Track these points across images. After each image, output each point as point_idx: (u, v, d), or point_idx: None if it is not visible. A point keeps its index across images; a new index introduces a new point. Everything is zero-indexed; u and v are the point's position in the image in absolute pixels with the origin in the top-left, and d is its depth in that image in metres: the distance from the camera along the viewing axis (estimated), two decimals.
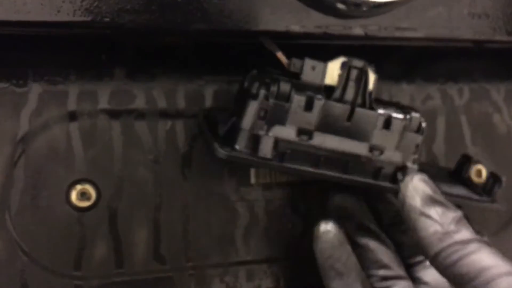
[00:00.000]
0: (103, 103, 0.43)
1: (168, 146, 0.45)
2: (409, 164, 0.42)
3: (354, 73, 0.40)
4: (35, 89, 0.42)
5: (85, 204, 0.43)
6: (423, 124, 0.42)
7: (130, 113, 0.44)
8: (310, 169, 0.40)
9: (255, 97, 0.38)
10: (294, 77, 0.39)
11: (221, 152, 0.38)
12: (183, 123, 0.45)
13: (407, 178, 0.38)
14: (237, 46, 0.45)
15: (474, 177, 0.49)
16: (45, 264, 0.42)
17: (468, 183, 0.48)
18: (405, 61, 0.51)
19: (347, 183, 0.41)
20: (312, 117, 0.39)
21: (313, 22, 0.40)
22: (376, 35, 0.42)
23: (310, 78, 0.39)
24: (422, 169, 0.43)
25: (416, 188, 0.37)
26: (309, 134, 0.39)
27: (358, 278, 0.40)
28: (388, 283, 0.41)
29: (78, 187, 0.43)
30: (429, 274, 0.42)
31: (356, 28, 0.41)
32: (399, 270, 0.41)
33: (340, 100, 0.40)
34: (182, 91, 0.45)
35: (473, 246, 0.34)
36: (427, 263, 0.42)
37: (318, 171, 0.40)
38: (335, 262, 0.39)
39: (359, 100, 0.40)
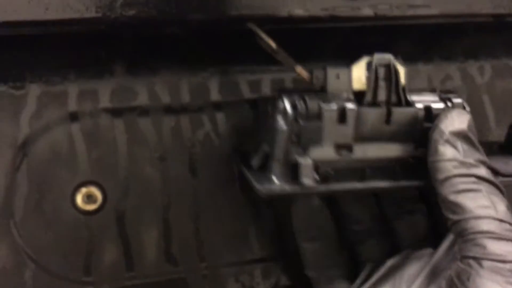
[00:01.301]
0: (105, 102, 0.42)
1: (175, 142, 0.43)
2: None
3: (382, 71, 0.37)
4: (34, 91, 0.41)
5: (91, 207, 0.42)
6: (467, 108, 0.39)
7: (133, 110, 0.42)
8: (358, 186, 0.37)
9: (283, 122, 0.35)
10: (320, 90, 0.36)
11: (262, 192, 0.35)
12: (189, 118, 0.44)
13: (451, 108, 0.36)
14: (240, 34, 0.42)
15: None
16: (54, 270, 0.41)
17: None
18: (421, 40, 0.49)
19: (401, 190, 0.39)
20: (348, 129, 0.36)
21: (318, 4, 0.38)
22: (387, 14, 0.40)
23: (336, 87, 0.36)
24: None
25: (453, 118, 0.35)
26: (348, 148, 0.36)
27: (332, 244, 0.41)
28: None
29: (84, 189, 0.41)
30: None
31: (365, 9, 0.39)
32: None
33: (373, 103, 0.37)
34: (186, 84, 0.44)
35: (485, 185, 0.33)
36: None
37: (367, 186, 0.37)
38: (310, 228, 0.40)
39: (393, 99, 0.37)
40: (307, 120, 0.35)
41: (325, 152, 0.36)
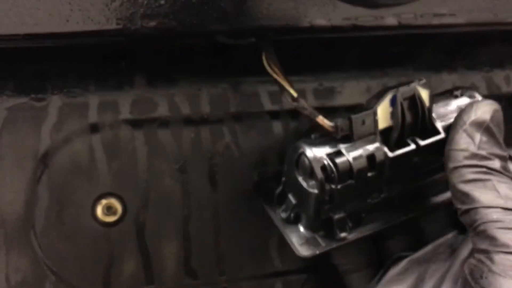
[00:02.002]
0: (125, 113, 0.42)
1: (194, 154, 0.43)
2: None
3: (406, 103, 0.35)
4: (55, 103, 0.41)
5: (111, 219, 0.41)
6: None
7: (153, 121, 0.42)
8: (389, 221, 0.38)
9: (313, 185, 0.35)
10: (345, 139, 0.35)
11: (304, 253, 0.36)
12: (209, 129, 0.43)
13: (480, 100, 0.35)
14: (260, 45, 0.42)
15: None
16: (73, 282, 0.41)
17: None
18: (445, 49, 0.48)
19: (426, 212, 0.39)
20: (379, 175, 0.35)
21: (340, 14, 0.37)
22: (411, 23, 0.39)
23: (362, 133, 0.35)
24: None
25: (478, 108, 0.34)
26: (379, 191, 0.37)
27: None
28: None
29: (104, 201, 0.41)
30: None
31: (389, 18, 0.38)
32: None
33: (401, 136, 0.36)
34: (206, 95, 0.43)
35: (496, 176, 0.33)
36: None
37: (398, 220, 0.38)
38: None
39: (418, 125, 0.36)
40: (339, 183, 0.34)
41: (358, 203, 0.36)
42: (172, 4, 0.34)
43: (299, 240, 0.37)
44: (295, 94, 0.36)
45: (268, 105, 0.44)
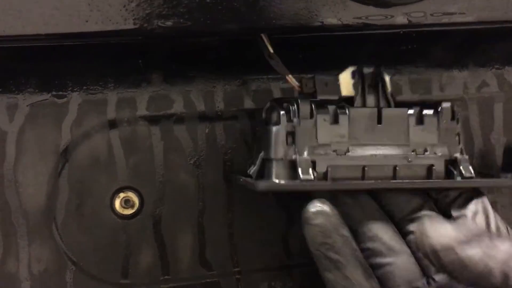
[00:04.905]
0: (142, 109, 0.43)
1: (209, 149, 0.44)
2: (458, 156, 0.39)
3: (368, 79, 0.39)
4: (75, 99, 0.42)
5: (129, 211, 0.43)
6: (456, 111, 0.40)
7: (169, 117, 0.44)
8: (358, 182, 0.37)
9: (276, 123, 0.37)
10: (311, 97, 0.38)
11: (261, 184, 0.36)
12: (223, 125, 0.44)
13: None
14: (276, 43, 0.43)
15: None
16: (93, 272, 0.42)
17: None
18: (456, 46, 0.48)
19: (399, 188, 0.38)
20: (342, 129, 0.37)
21: (351, 13, 0.38)
22: (421, 22, 0.40)
23: (326, 94, 0.38)
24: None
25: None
26: (344, 147, 0.37)
27: (358, 267, 0.34)
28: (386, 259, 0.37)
29: (122, 194, 0.43)
30: None
31: (399, 17, 0.39)
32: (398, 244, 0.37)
33: (363, 107, 0.39)
34: (220, 92, 0.44)
35: None
36: None
37: (367, 183, 0.37)
38: (329, 250, 0.34)
39: (383, 103, 0.39)
40: (300, 119, 0.36)
41: (321, 151, 0.37)
42: (187, 4, 0.35)
43: (263, 182, 0.36)
44: (271, 50, 0.38)
45: None
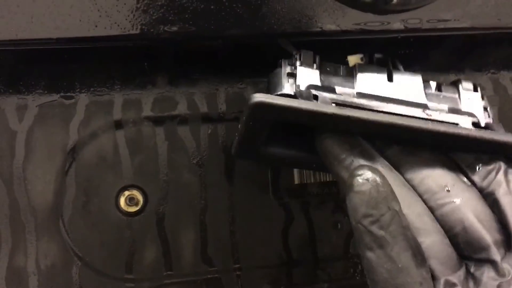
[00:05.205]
0: (147, 111, 0.45)
1: (211, 149, 0.45)
2: (489, 120, 0.34)
3: (375, 59, 0.36)
4: (82, 101, 0.44)
5: (133, 209, 0.44)
6: (477, 85, 0.36)
7: (173, 119, 0.45)
8: (372, 117, 0.29)
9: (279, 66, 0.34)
10: None
11: (257, 96, 0.29)
12: (225, 126, 0.46)
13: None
14: (274, 48, 0.44)
15: None
16: (98, 267, 0.44)
17: None
18: (453, 51, 0.49)
19: (422, 134, 0.30)
20: (347, 78, 0.33)
21: (349, 20, 0.39)
22: (417, 28, 0.41)
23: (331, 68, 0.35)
24: None
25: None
26: (351, 94, 0.32)
27: (408, 249, 0.28)
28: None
29: (126, 193, 0.44)
30: None
31: (396, 23, 0.40)
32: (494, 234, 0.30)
33: None
34: (223, 94, 0.46)
35: None
36: None
37: (382, 119, 0.29)
38: (373, 224, 0.28)
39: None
40: (302, 63, 0.33)
41: (324, 91, 0.32)
42: (192, 10, 0.36)
43: (258, 95, 0.30)
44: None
45: None
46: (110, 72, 0.44)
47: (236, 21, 0.37)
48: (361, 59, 0.37)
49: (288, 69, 0.34)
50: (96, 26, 0.36)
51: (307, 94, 0.31)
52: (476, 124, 0.33)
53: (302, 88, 0.32)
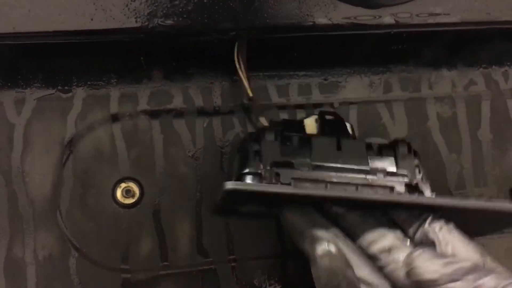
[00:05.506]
0: (143, 104, 0.45)
1: (207, 142, 0.46)
2: (419, 181, 0.39)
3: (330, 124, 0.41)
4: (80, 94, 0.44)
5: (129, 201, 0.45)
6: (412, 146, 0.40)
7: (169, 112, 0.46)
8: (322, 191, 0.37)
9: (244, 150, 0.40)
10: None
11: (229, 184, 0.35)
12: (220, 119, 0.46)
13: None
14: (271, 41, 0.45)
15: None
16: (95, 258, 0.44)
17: None
18: (445, 46, 0.50)
19: (363, 201, 0.37)
20: (304, 151, 0.39)
21: (340, 13, 0.40)
22: (408, 22, 0.42)
23: (291, 132, 0.40)
24: None
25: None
26: (307, 166, 0.38)
27: None
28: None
29: (123, 185, 0.45)
30: None
31: (386, 17, 0.41)
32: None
33: None
34: (218, 88, 0.47)
35: None
36: None
37: (332, 191, 0.37)
38: None
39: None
40: (266, 139, 0.39)
41: (286, 165, 0.38)
42: (186, 4, 0.37)
43: (229, 182, 0.35)
44: (251, 94, 0.43)
45: (275, 98, 0.47)
46: (107, 66, 0.44)
47: (229, 15, 0.38)
48: (316, 120, 0.42)
49: (254, 147, 0.39)
50: (92, 20, 0.37)
51: (271, 173, 0.37)
52: (408, 185, 0.39)
53: (267, 165, 0.38)
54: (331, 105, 0.48)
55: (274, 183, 0.37)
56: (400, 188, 0.38)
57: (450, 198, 0.40)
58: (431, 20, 0.42)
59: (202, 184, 0.46)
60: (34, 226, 0.43)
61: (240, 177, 0.39)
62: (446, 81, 0.51)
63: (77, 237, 0.44)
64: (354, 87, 0.49)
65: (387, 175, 0.39)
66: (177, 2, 0.38)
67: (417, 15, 0.41)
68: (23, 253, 0.43)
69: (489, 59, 0.51)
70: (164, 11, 0.37)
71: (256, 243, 0.47)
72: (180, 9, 0.37)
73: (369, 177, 0.38)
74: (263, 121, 0.42)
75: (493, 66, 0.52)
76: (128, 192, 0.45)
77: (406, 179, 0.39)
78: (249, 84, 0.42)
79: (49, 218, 0.44)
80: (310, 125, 0.41)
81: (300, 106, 0.48)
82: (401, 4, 0.41)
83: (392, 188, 0.38)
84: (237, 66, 0.41)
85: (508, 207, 0.36)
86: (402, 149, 0.40)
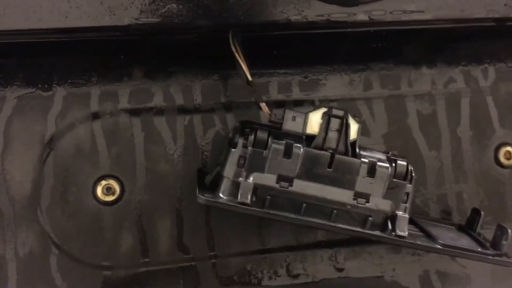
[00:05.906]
0: (124, 103, 0.46)
1: (187, 140, 0.47)
2: (400, 213, 0.40)
3: (335, 123, 0.40)
4: (60, 92, 0.45)
5: (110, 198, 0.45)
6: (412, 171, 0.40)
7: (150, 110, 0.46)
8: (292, 216, 0.39)
9: (234, 146, 0.39)
10: (276, 127, 0.40)
11: (201, 198, 0.38)
12: (201, 117, 0.47)
13: None
14: (250, 40, 0.45)
15: None
16: (76, 255, 0.45)
17: (478, 238, 0.44)
18: (425, 44, 0.50)
19: (333, 230, 0.40)
20: (292, 164, 0.39)
21: (314, 11, 0.41)
22: (382, 20, 0.42)
23: (291, 127, 0.40)
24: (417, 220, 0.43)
25: None
26: (289, 181, 0.39)
27: None
28: None
29: (103, 182, 0.45)
30: None
31: (360, 14, 0.41)
32: None
33: (321, 148, 0.39)
34: (198, 86, 0.47)
35: None
36: None
37: (301, 218, 0.39)
38: None
39: (341, 149, 0.40)
40: (254, 148, 0.39)
41: (266, 178, 0.39)
42: (160, 1, 0.38)
43: (203, 196, 0.39)
44: (250, 78, 0.41)
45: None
46: (87, 65, 0.45)
47: (203, 13, 0.39)
48: (322, 115, 0.41)
49: (240, 152, 0.39)
50: (67, 17, 0.37)
51: (248, 187, 0.38)
52: (386, 217, 0.40)
53: (248, 177, 0.39)
54: (312, 102, 0.49)
55: (243, 203, 0.38)
56: (377, 219, 0.40)
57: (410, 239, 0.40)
58: (405, 18, 0.42)
59: (182, 181, 0.46)
60: (14, 224, 0.44)
61: (218, 178, 0.40)
62: (425, 79, 0.51)
63: (57, 234, 0.44)
64: (334, 85, 0.50)
65: (369, 202, 0.39)
66: (151, 0, 0.38)
67: (391, 13, 0.42)
68: (4, 250, 0.43)
69: (468, 57, 0.52)
70: (139, 8, 0.38)
71: (236, 240, 0.47)
72: (154, 7, 0.38)
73: (350, 202, 0.39)
74: (265, 108, 0.41)
75: (472, 64, 0.52)
76: (108, 190, 0.45)
77: (388, 208, 0.40)
78: (248, 68, 0.41)
79: (30, 215, 0.44)
80: (314, 120, 0.40)
81: (279, 104, 0.48)
82: (375, 2, 0.41)
83: (367, 218, 0.40)
84: (233, 49, 0.41)
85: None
86: (400, 174, 0.40)
